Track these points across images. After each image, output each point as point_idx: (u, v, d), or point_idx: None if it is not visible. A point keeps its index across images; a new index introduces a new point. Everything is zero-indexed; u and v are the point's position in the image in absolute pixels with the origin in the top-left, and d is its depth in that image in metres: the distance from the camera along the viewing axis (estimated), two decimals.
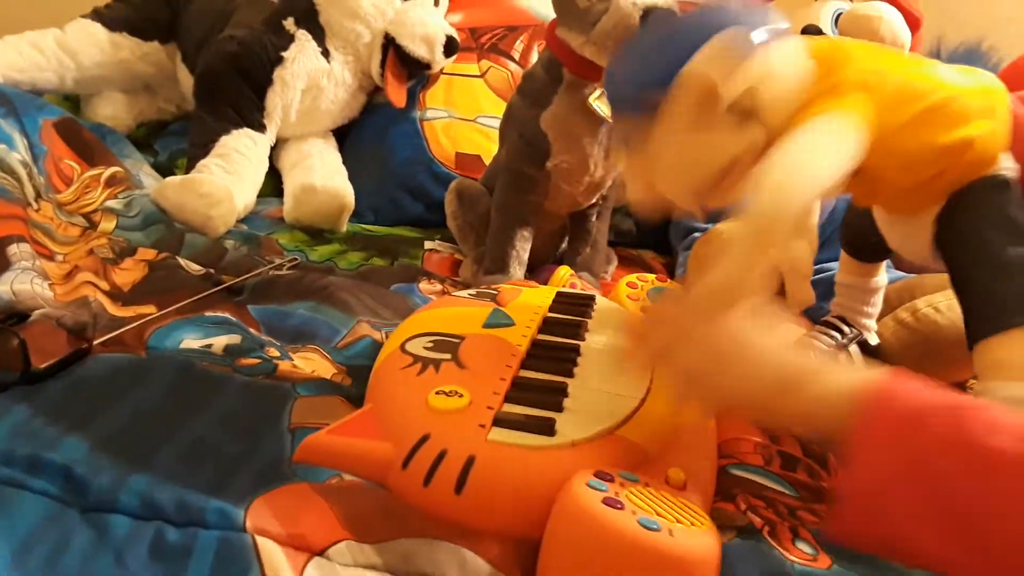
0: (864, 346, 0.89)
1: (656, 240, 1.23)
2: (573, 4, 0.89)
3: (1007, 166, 0.61)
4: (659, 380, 0.52)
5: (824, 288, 0.86)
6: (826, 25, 1.04)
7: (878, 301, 0.90)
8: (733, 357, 0.50)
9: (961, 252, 0.61)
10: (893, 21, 0.99)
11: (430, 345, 0.63)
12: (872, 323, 0.91)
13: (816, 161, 0.52)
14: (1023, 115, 0.64)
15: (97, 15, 1.32)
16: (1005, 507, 0.40)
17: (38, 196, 0.96)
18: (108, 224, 1.00)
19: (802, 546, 0.57)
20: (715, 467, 0.62)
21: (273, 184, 1.25)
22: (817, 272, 0.93)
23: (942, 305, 0.87)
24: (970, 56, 1.35)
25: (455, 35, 1.24)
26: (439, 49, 1.21)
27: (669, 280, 0.96)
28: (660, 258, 1.22)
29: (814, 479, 0.65)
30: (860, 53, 0.60)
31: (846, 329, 0.89)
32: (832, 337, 0.88)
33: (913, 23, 1.06)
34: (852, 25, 1.00)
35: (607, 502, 0.45)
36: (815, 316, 0.92)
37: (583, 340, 0.69)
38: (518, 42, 1.34)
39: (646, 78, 0.54)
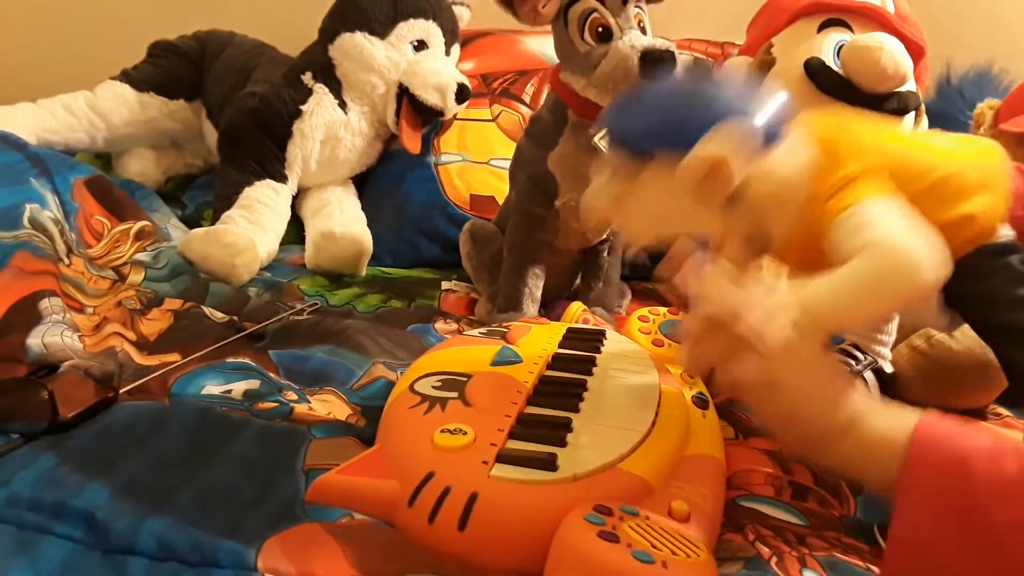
0: (879, 374, 0.89)
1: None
2: (574, 49, 0.92)
3: (1005, 234, 0.62)
4: (728, 386, 0.52)
5: None
6: (828, 57, 1.05)
7: (892, 329, 0.90)
8: (812, 383, 0.50)
9: (988, 309, 0.63)
10: (895, 51, 1.00)
11: (438, 384, 0.65)
12: (886, 351, 0.91)
13: (920, 231, 0.54)
14: (1018, 183, 0.65)
15: (125, 76, 1.39)
16: None
17: (70, 251, 1.00)
18: (137, 276, 1.04)
19: (809, 575, 0.57)
20: (722, 499, 0.62)
21: (296, 232, 1.29)
22: None
23: (956, 332, 0.87)
24: (980, 80, 1.36)
25: (467, 82, 1.28)
26: (451, 96, 1.25)
27: (682, 313, 0.96)
28: (675, 290, 1.23)
29: (825, 508, 0.65)
30: (862, 140, 0.61)
31: (860, 356, 0.89)
32: (847, 364, 0.88)
33: (916, 52, 1.07)
34: (854, 57, 1.01)
35: (603, 535, 0.46)
36: (830, 345, 0.92)
37: (591, 375, 0.70)
38: (528, 86, 1.37)
39: (664, 133, 0.54)
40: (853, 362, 0.88)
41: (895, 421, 0.48)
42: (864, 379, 0.87)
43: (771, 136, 0.54)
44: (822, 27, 1.09)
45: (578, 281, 1.11)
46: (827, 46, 1.06)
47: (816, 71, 1.04)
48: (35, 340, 0.79)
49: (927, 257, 0.52)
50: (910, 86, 1.05)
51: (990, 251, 0.61)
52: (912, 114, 1.07)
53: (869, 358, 0.89)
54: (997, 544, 0.42)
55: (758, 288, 0.53)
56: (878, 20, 1.07)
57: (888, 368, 0.90)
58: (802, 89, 1.05)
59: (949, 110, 1.29)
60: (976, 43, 1.39)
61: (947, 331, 0.79)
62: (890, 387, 0.88)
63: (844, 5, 1.09)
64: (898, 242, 0.53)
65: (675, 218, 0.56)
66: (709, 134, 0.51)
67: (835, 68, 1.03)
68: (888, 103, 1.02)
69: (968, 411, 0.87)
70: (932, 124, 1.19)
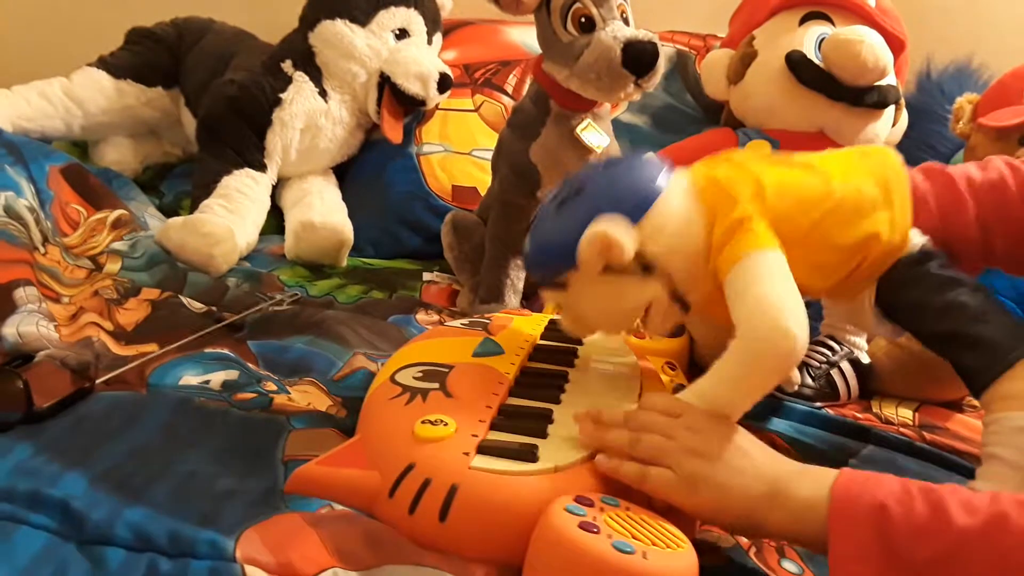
0: (856, 364, 0.90)
1: None
2: (557, 39, 0.92)
3: (917, 241, 0.63)
4: (638, 482, 0.54)
5: (814, 309, 0.87)
6: (809, 50, 1.06)
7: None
8: (733, 463, 0.52)
9: (920, 320, 0.64)
10: (875, 44, 1.00)
11: (419, 375, 0.65)
12: (862, 342, 0.92)
13: (788, 295, 0.56)
14: (920, 186, 0.66)
15: (102, 63, 1.36)
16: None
17: (45, 240, 0.99)
18: (113, 266, 1.03)
19: (788, 565, 0.58)
20: None
21: (276, 222, 1.28)
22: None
23: None
24: (960, 74, 1.37)
25: (448, 72, 1.27)
26: (433, 86, 1.24)
27: None
28: None
29: None
30: (740, 182, 0.62)
31: (836, 347, 0.90)
32: (822, 355, 0.89)
33: (897, 45, 1.07)
34: (834, 50, 1.02)
35: (583, 526, 0.46)
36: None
37: (573, 367, 0.70)
38: (511, 76, 1.37)
39: (557, 259, 0.61)
40: (829, 352, 0.89)
41: (815, 482, 0.50)
42: (841, 369, 0.88)
43: (639, 202, 0.59)
44: (804, 20, 1.09)
45: None
46: (808, 39, 1.06)
47: (797, 64, 1.04)
48: (10, 329, 0.78)
49: (795, 322, 0.54)
50: (890, 80, 1.06)
51: (907, 262, 0.63)
52: (892, 108, 1.09)
53: (846, 349, 0.90)
54: None
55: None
56: (859, 14, 1.07)
57: (865, 359, 0.91)
58: (783, 82, 1.06)
59: (929, 104, 1.30)
60: (956, 37, 1.40)
61: (893, 338, 0.81)
62: (867, 378, 0.89)
63: None
64: (767, 314, 0.55)
65: (611, 313, 0.63)
66: (585, 235, 0.57)
67: (816, 61, 1.04)
68: (868, 96, 1.03)
69: (945, 403, 0.88)
70: (913, 117, 1.20)
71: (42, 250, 0.97)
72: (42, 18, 1.67)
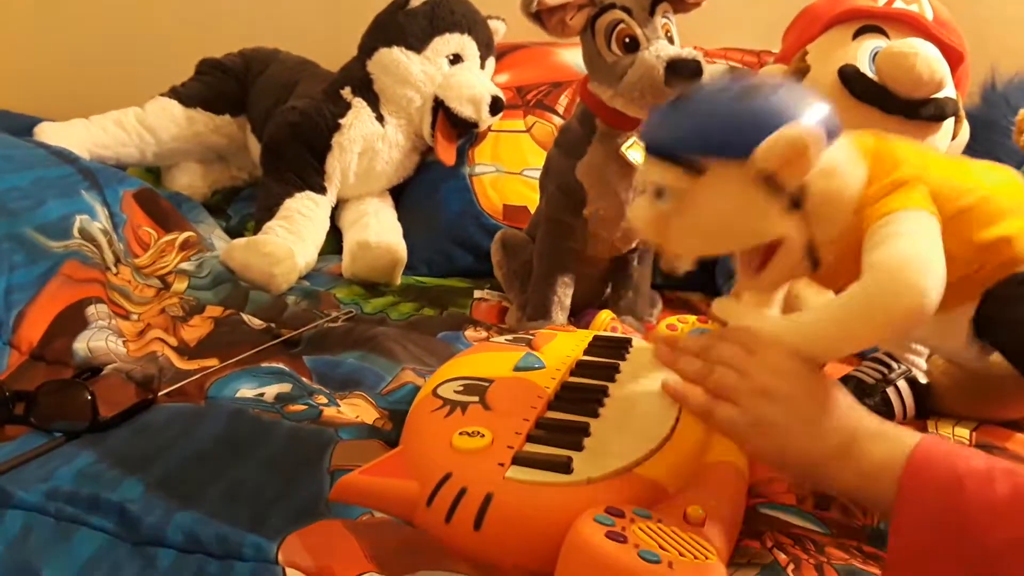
0: (913, 383, 0.87)
1: (703, 282, 1.24)
2: (601, 59, 0.93)
3: None
4: (703, 415, 0.53)
5: None
6: (863, 64, 1.04)
7: None
8: (807, 412, 0.51)
9: (1018, 338, 0.62)
10: (930, 57, 0.98)
11: (460, 389, 0.66)
12: (921, 360, 0.90)
13: (934, 256, 0.54)
14: None
15: (174, 93, 1.44)
16: None
17: (118, 261, 1.05)
18: (180, 285, 1.08)
19: None
20: (742, 507, 0.62)
21: (335, 242, 1.32)
22: None
23: None
24: None
25: (500, 95, 1.30)
26: (485, 109, 1.27)
27: (711, 322, 0.96)
28: (707, 300, 1.22)
29: (848, 517, 0.64)
30: (905, 151, 0.61)
31: (894, 365, 0.88)
32: (879, 372, 0.87)
33: (955, 58, 1.05)
34: (888, 63, 1.00)
35: (611, 535, 0.46)
36: (864, 352, 0.91)
37: (613, 382, 0.71)
38: (562, 96, 1.39)
39: (724, 138, 0.54)
40: (886, 370, 0.87)
41: (893, 443, 0.49)
42: (897, 387, 0.86)
43: (831, 135, 0.54)
44: (857, 34, 1.08)
45: (609, 290, 1.11)
46: (862, 53, 1.05)
47: (850, 78, 1.03)
48: (81, 344, 0.83)
49: (934, 283, 0.52)
50: (948, 92, 1.03)
51: (1020, 279, 0.61)
52: (951, 120, 1.06)
53: (903, 367, 0.88)
54: (989, 563, 0.43)
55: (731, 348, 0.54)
56: (915, 26, 1.05)
57: (923, 378, 0.88)
58: (836, 96, 1.04)
59: (994, 116, 1.27)
60: (1022, 48, 1.36)
61: (975, 362, 0.78)
62: (924, 398, 0.87)
63: (880, 12, 1.08)
64: (907, 264, 0.52)
65: (733, 228, 0.56)
66: (783, 128, 0.51)
67: (870, 75, 1.02)
68: (924, 109, 1.01)
69: (1006, 423, 0.85)
70: (977, 131, 1.16)
71: (114, 270, 1.03)
72: (118, 51, 1.77)
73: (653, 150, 0.58)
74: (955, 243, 0.60)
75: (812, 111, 0.55)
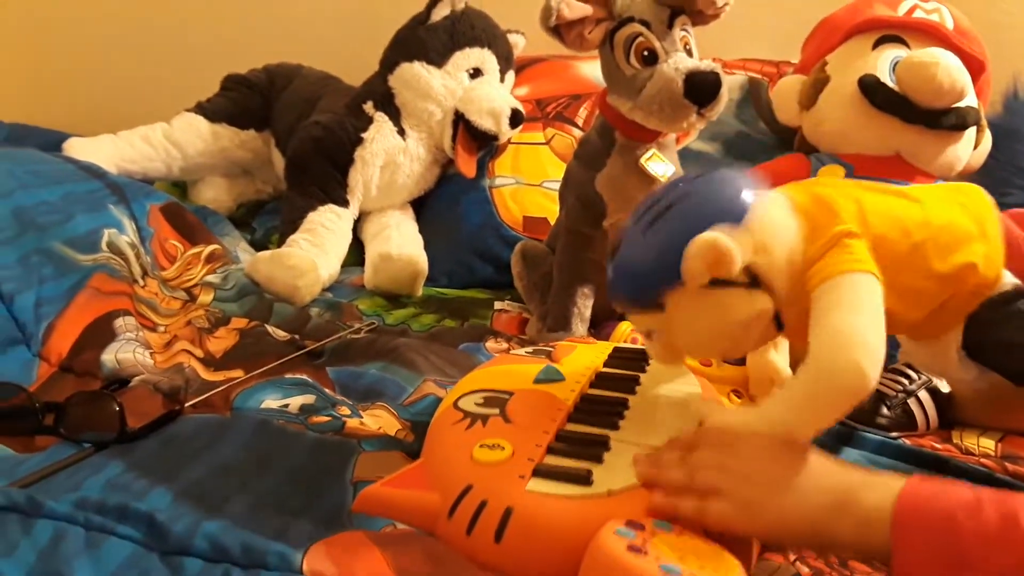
0: (935, 394, 0.87)
1: None
2: (620, 72, 0.94)
3: (1009, 281, 0.62)
4: (698, 518, 0.53)
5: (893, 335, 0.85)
6: (883, 74, 1.04)
7: None
8: (791, 482, 0.52)
9: (1010, 358, 0.63)
10: (951, 66, 0.98)
11: (481, 401, 0.67)
12: None
13: (871, 329, 0.54)
14: (1014, 232, 0.65)
15: (199, 108, 1.47)
16: None
17: (145, 274, 1.07)
18: (206, 297, 1.10)
19: None
20: None
21: (357, 254, 1.34)
22: None
23: None
24: None
25: (520, 108, 1.31)
26: (505, 122, 1.28)
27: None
28: None
29: None
30: (843, 200, 0.61)
31: (914, 375, 0.87)
32: (900, 383, 0.87)
33: (976, 67, 1.04)
34: (908, 72, 1.00)
35: (631, 548, 0.46)
36: (884, 363, 0.90)
37: (633, 394, 0.71)
38: (582, 109, 1.39)
39: (653, 281, 0.58)
40: (907, 381, 0.86)
41: (883, 490, 0.49)
42: (919, 398, 0.85)
43: (741, 209, 0.57)
44: (877, 44, 1.08)
45: None
46: (882, 63, 1.05)
47: (870, 88, 1.03)
48: (109, 356, 0.84)
49: (870, 360, 0.52)
50: (969, 101, 1.03)
51: (997, 301, 0.62)
52: (973, 129, 1.05)
53: (924, 377, 0.87)
54: None
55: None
56: (936, 36, 1.05)
57: (944, 388, 0.87)
58: (857, 106, 1.04)
59: (1017, 125, 1.25)
60: None
61: (975, 384, 0.78)
62: (947, 408, 0.86)
63: (900, 22, 1.08)
64: (844, 344, 0.53)
65: (719, 330, 0.59)
66: (691, 246, 0.54)
67: (891, 85, 1.02)
68: (946, 119, 1.01)
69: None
70: (1000, 139, 1.16)
71: (141, 283, 1.05)
72: (144, 67, 1.80)
73: (621, 305, 0.63)
74: (917, 277, 0.61)
75: (715, 206, 0.57)
